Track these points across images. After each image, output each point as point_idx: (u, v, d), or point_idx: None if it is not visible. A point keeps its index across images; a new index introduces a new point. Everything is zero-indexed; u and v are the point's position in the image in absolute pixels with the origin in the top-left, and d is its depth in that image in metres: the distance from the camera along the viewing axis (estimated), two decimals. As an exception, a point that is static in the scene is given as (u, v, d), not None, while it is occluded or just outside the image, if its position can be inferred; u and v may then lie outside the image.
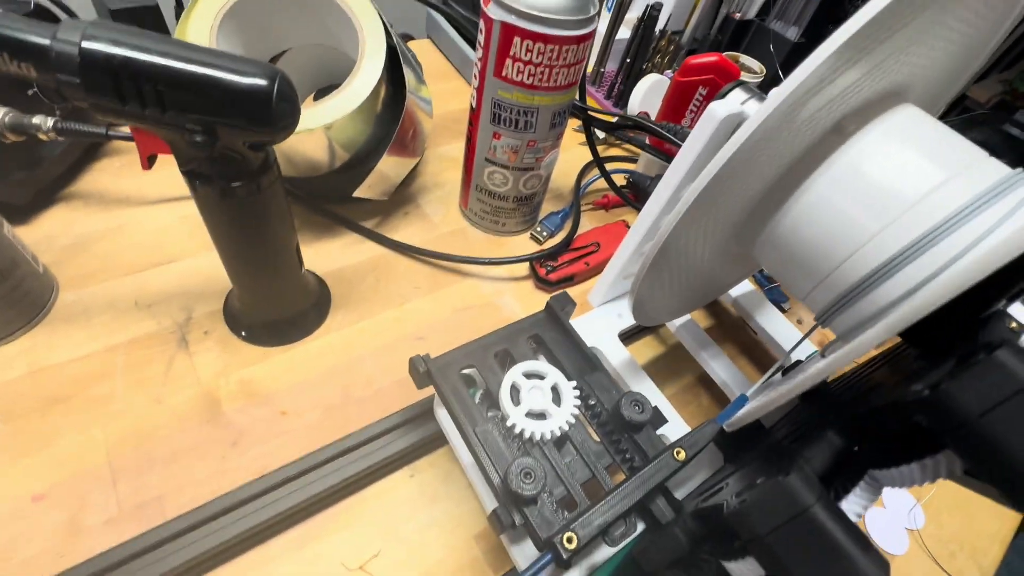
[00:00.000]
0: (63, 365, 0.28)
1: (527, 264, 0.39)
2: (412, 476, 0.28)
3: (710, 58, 0.41)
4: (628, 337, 0.35)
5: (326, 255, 0.37)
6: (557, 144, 0.36)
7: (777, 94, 0.17)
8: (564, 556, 0.18)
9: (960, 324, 0.19)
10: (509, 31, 0.29)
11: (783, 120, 0.18)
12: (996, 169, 0.20)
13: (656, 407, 0.24)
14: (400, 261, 0.38)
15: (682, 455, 0.21)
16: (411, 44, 0.60)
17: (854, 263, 0.20)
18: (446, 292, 0.37)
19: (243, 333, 0.31)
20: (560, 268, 0.38)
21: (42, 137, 0.31)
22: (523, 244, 0.41)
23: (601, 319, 0.33)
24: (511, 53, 0.29)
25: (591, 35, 0.30)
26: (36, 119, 0.30)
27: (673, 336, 0.36)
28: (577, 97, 0.40)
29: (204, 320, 0.31)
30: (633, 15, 0.55)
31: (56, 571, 0.21)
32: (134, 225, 0.35)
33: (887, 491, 0.33)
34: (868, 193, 0.20)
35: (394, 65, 0.34)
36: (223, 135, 0.21)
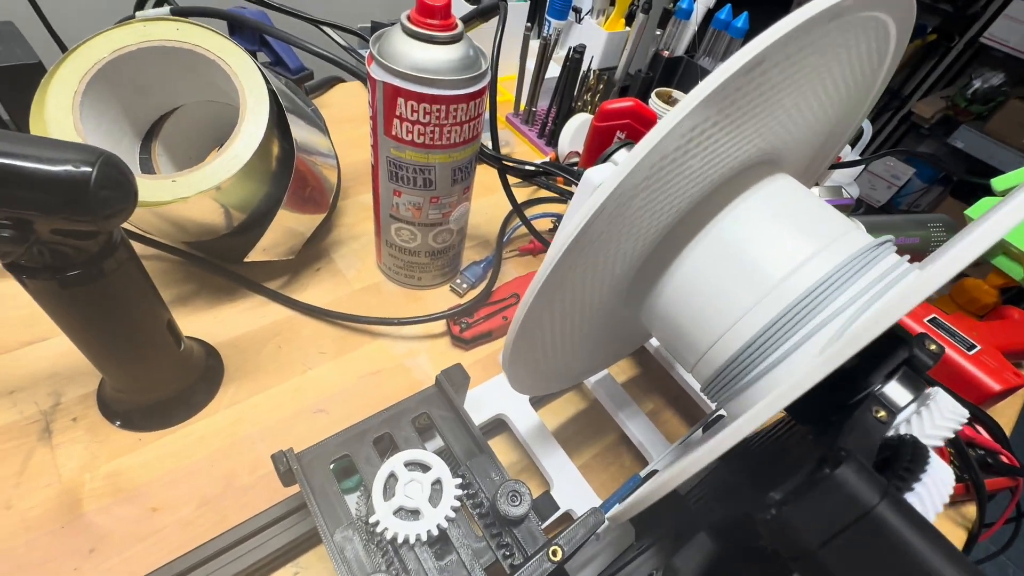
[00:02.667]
0: None
1: (444, 321, 0.37)
2: (296, 574, 0.25)
3: (625, 103, 0.41)
4: (542, 399, 0.34)
5: (224, 321, 0.34)
6: (465, 197, 0.35)
7: (627, 161, 0.16)
8: None
9: (835, 405, 0.18)
10: (393, 92, 0.27)
11: (636, 190, 0.17)
12: (861, 240, 0.19)
13: (546, 495, 0.22)
14: (306, 324, 0.36)
15: (559, 555, 0.19)
16: (342, 86, 0.59)
17: (729, 339, 0.19)
18: (354, 356, 0.35)
19: (117, 421, 0.28)
20: (476, 324, 0.36)
21: None
22: (442, 297, 0.40)
23: (501, 390, 0.32)
24: (397, 113, 0.28)
25: (482, 92, 0.29)
26: None
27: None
28: (491, 145, 0.39)
29: (74, 406, 0.29)
30: (562, 53, 0.55)
31: None
32: (3, 299, 0.32)
33: None
34: (741, 266, 0.19)
35: (282, 125, 0.32)
36: (39, 227, 0.19)
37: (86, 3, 0.40)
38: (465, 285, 0.40)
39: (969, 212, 0.43)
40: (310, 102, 0.40)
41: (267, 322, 0.35)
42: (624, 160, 0.16)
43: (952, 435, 0.17)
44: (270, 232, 0.33)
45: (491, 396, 0.31)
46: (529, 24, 0.53)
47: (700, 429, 0.27)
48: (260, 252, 0.33)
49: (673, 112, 0.15)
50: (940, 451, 0.34)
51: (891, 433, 0.17)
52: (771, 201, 0.20)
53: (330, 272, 0.39)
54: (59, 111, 0.27)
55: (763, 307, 0.18)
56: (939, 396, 0.17)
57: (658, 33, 0.58)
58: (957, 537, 0.34)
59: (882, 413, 0.16)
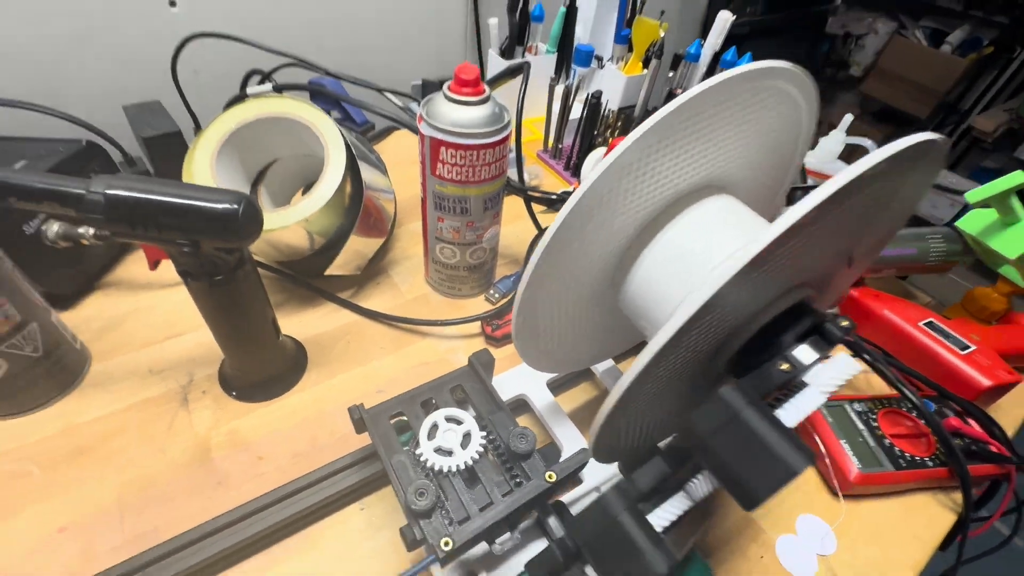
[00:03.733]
0: (89, 423, 0.35)
1: (479, 323, 0.45)
2: (362, 509, 0.33)
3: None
4: (561, 385, 0.40)
5: (306, 323, 0.44)
6: (496, 221, 0.43)
7: (590, 176, 0.23)
8: (440, 555, 0.23)
9: (758, 363, 0.24)
10: (436, 143, 0.36)
11: (601, 198, 0.24)
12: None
13: (552, 445, 0.29)
14: (369, 326, 0.44)
15: (553, 477, 0.26)
16: (397, 134, 0.69)
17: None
18: (406, 351, 0.43)
19: (233, 393, 0.38)
20: (504, 326, 0.43)
21: (84, 242, 0.39)
22: (478, 304, 0.47)
23: (526, 375, 0.39)
24: (440, 158, 0.37)
25: (505, 139, 0.37)
26: (80, 229, 0.39)
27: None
28: (518, 178, 0.47)
29: (203, 382, 0.38)
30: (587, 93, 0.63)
31: (71, 588, 0.27)
32: (152, 307, 0.43)
33: (800, 518, 0.36)
34: (682, 263, 0.26)
35: (355, 171, 0.42)
36: (204, 246, 0.28)
37: (207, 84, 0.53)
38: (497, 295, 0.47)
39: (960, 224, 0.46)
40: (373, 150, 0.50)
41: (339, 324, 0.44)
42: (588, 176, 0.24)
43: (839, 385, 0.22)
44: (343, 253, 0.42)
45: (514, 381, 0.38)
46: (554, 76, 0.62)
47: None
48: (335, 268, 0.42)
49: (625, 140, 0.22)
50: (927, 439, 0.38)
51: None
52: (713, 212, 0.27)
53: (388, 285, 0.48)
54: (201, 168, 0.38)
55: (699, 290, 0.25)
56: (838, 358, 0.23)
57: (670, 75, 0.65)
58: (946, 520, 0.37)
59: (786, 366, 0.22)
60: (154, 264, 0.34)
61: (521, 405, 0.39)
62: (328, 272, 0.42)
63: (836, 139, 0.52)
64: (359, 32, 0.72)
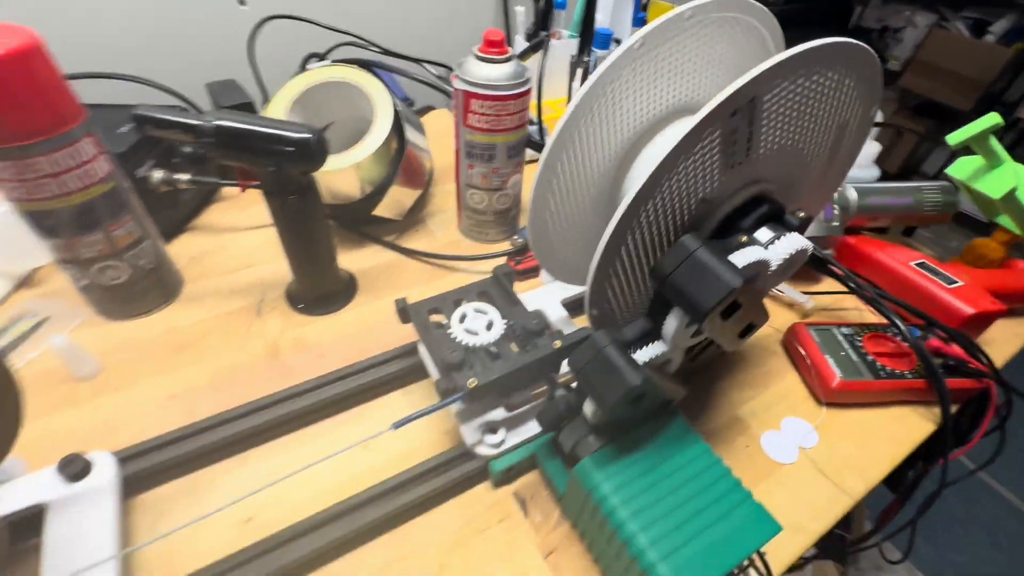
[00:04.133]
0: (186, 327, 0.43)
1: (504, 259, 0.51)
2: (404, 394, 0.40)
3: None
4: (574, 310, 0.46)
5: (356, 260, 0.51)
6: (518, 170, 0.50)
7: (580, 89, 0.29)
8: (465, 393, 0.29)
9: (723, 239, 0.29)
10: (468, 96, 0.43)
11: (591, 106, 0.30)
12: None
13: (549, 320, 0.35)
14: (408, 263, 0.51)
15: (559, 344, 0.32)
16: (433, 113, 0.77)
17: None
18: (440, 282, 0.50)
19: (300, 305, 0.45)
20: (526, 261, 0.50)
21: (181, 187, 0.48)
22: (504, 248, 0.54)
23: (548, 292, 0.45)
24: (471, 109, 0.44)
25: (526, 93, 0.44)
26: (178, 175, 0.48)
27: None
28: (539, 139, 0.54)
29: (272, 300, 0.46)
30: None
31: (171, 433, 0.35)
32: (232, 245, 0.52)
33: (785, 420, 0.40)
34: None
35: (399, 130, 0.49)
36: (285, 167, 0.36)
37: (272, 65, 0.62)
38: (520, 240, 0.53)
39: (949, 171, 0.49)
40: (414, 115, 0.57)
41: (383, 261, 0.51)
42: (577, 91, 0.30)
43: (788, 255, 0.27)
44: (386, 198, 0.50)
45: (533, 299, 0.44)
46: (574, 55, 0.68)
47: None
48: (380, 210, 0.50)
49: (601, 65, 0.28)
50: (909, 358, 0.41)
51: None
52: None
53: (424, 232, 0.55)
54: (275, 122, 0.46)
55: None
56: (788, 236, 0.28)
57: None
58: (925, 428, 0.41)
59: (744, 238, 0.27)
60: (244, 187, 0.42)
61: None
62: (374, 212, 0.50)
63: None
64: (398, 21, 0.81)
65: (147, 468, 0.32)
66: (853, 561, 1.18)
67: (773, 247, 0.27)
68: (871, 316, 0.49)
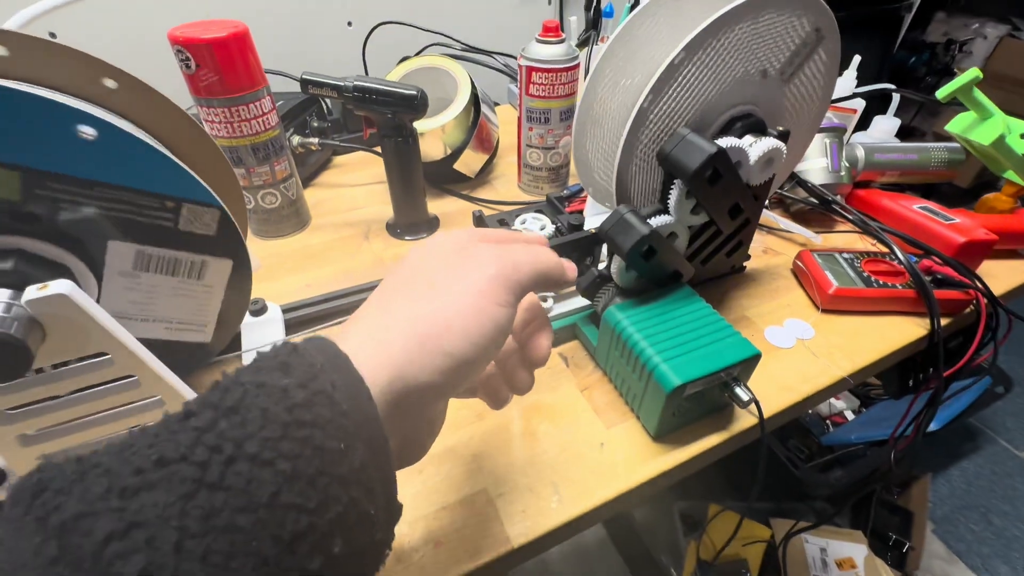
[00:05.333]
0: (315, 244, 0.58)
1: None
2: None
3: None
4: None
5: (438, 206, 0.64)
6: (568, 132, 0.62)
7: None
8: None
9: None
10: (530, 70, 0.56)
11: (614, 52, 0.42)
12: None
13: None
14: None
15: (593, 229, 0.43)
16: (499, 107, 0.92)
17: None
18: (504, 222, 0.62)
19: (398, 230, 0.59)
20: (572, 205, 0.61)
21: (312, 148, 0.64)
22: (555, 201, 0.65)
23: (589, 225, 0.56)
24: (532, 80, 0.57)
25: (574, 67, 0.56)
26: (310, 139, 0.64)
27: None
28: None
29: (375, 230, 0.60)
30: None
31: (311, 298, 0.48)
32: (344, 195, 0.67)
33: (787, 320, 0.48)
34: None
35: (476, 103, 0.63)
36: (398, 115, 0.50)
37: (376, 65, 0.78)
38: (568, 193, 0.65)
39: (948, 127, 0.56)
40: (488, 96, 0.71)
41: (457, 208, 0.64)
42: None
43: (764, 150, 0.37)
44: (463, 156, 0.63)
45: (577, 227, 0.55)
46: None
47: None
48: (458, 165, 0.63)
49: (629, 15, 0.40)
50: (903, 276, 0.49)
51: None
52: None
53: (490, 189, 0.68)
54: (384, 97, 0.61)
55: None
56: (764, 139, 0.38)
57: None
58: (914, 332, 0.47)
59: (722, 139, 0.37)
60: (368, 133, 0.57)
61: (582, 246, 0.55)
62: (455, 166, 0.63)
63: (847, 76, 0.64)
64: (477, 24, 0.98)
65: (299, 317, 0.46)
66: (913, 569, 1.16)
67: (753, 145, 0.37)
68: (877, 251, 0.56)
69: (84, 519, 0.13)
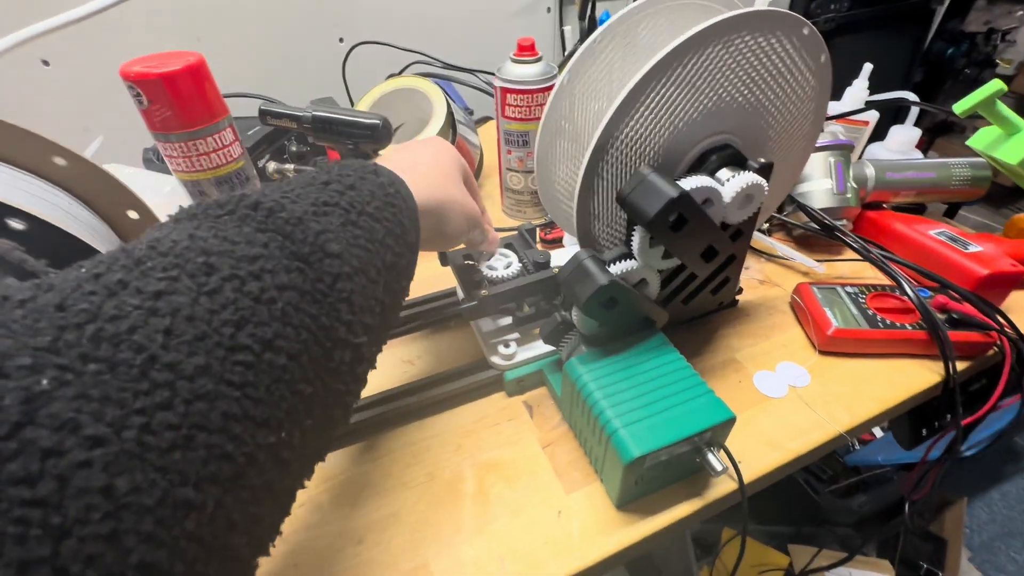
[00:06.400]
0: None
1: (536, 230, 0.59)
2: (445, 329, 0.49)
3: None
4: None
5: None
6: (550, 155, 0.58)
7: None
8: (477, 299, 0.38)
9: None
10: (504, 91, 0.53)
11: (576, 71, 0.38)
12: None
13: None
14: (458, 235, 0.61)
15: (556, 269, 0.39)
16: (491, 123, 0.89)
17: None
18: (482, 249, 0.59)
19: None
20: (554, 231, 0.57)
21: (288, 175, 0.62)
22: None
23: (568, 253, 0.52)
24: (507, 102, 0.53)
25: (552, 87, 0.53)
26: (285, 166, 0.62)
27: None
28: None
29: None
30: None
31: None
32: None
33: (780, 364, 0.44)
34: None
35: (453, 125, 0.60)
36: (360, 145, 0.47)
37: (362, 82, 0.76)
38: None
39: (970, 143, 0.50)
40: (469, 118, 0.69)
41: (438, 234, 0.62)
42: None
43: (741, 187, 0.33)
44: (443, 181, 0.60)
45: (555, 257, 0.52)
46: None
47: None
48: (437, 190, 0.60)
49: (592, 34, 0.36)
50: (913, 315, 0.44)
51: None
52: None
53: (474, 213, 0.65)
54: (358, 121, 0.59)
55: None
56: (742, 174, 0.34)
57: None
58: (926, 379, 0.42)
59: (689, 179, 0.33)
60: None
61: (560, 278, 0.52)
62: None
63: (858, 87, 0.59)
64: (464, 41, 0.95)
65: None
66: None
67: (729, 182, 0.33)
68: (885, 282, 0.51)
69: (291, 206, 0.22)
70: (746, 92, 0.34)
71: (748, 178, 0.33)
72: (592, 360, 0.35)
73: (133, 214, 0.37)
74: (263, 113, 0.47)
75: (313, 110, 0.46)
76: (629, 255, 0.35)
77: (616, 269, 0.34)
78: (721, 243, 0.34)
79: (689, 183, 0.31)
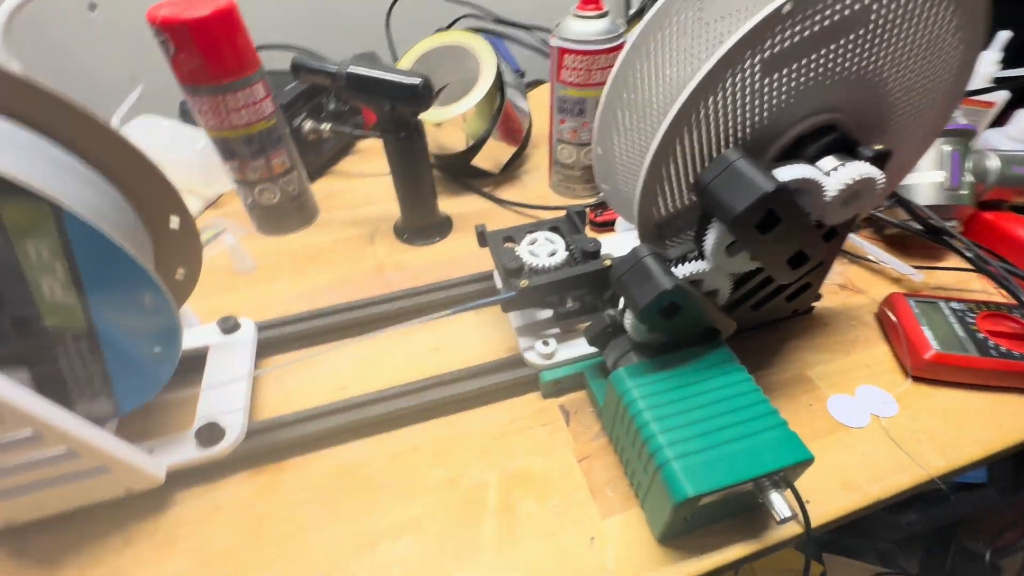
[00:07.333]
0: (316, 244, 0.53)
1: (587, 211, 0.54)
2: (476, 313, 0.45)
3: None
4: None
5: (455, 205, 0.58)
6: (607, 127, 0.52)
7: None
8: (516, 290, 0.33)
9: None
10: (561, 52, 0.47)
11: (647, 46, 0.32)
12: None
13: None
14: (499, 211, 0.57)
15: (608, 261, 0.34)
16: (544, 87, 0.82)
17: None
18: (525, 228, 0.54)
19: (404, 236, 0.53)
20: (605, 213, 0.52)
21: (325, 136, 0.59)
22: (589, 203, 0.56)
23: (621, 240, 0.47)
24: (564, 64, 0.47)
25: (617, 48, 0.46)
26: (323, 125, 0.58)
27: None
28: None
29: (383, 231, 0.54)
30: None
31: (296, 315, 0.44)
32: (360, 186, 0.62)
33: (861, 387, 0.38)
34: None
35: (501, 88, 0.54)
36: (398, 108, 0.43)
37: (407, 38, 0.71)
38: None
39: None
40: (520, 81, 0.62)
41: (477, 208, 0.57)
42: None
43: (849, 181, 0.26)
44: (485, 150, 0.55)
45: (606, 245, 0.46)
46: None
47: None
48: (478, 160, 0.56)
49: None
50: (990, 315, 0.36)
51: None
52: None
53: (518, 186, 0.60)
54: (399, 80, 0.54)
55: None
56: (852, 163, 0.27)
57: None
58: (1047, 422, 0.35)
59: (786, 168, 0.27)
60: (370, 126, 0.51)
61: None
62: (473, 162, 0.56)
63: (988, 59, 0.49)
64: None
65: (276, 336, 0.42)
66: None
67: (834, 173, 0.27)
68: (1000, 298, 0.43)
69: None
70: (870, 61, 0.27)
71: (859, 169, 0.27)
72: (643, 373, 0.31)
73: (175, 221, 0.32)
74: (295, 67, 0.43)
75: (348, 66, 0.42)
76: (698, 254, 0.29)
77: (682, 271, 0.29)
78: (815, 247, 0.28)
79: (787, 173, 0.25)
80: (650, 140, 0.35)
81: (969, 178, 0.45)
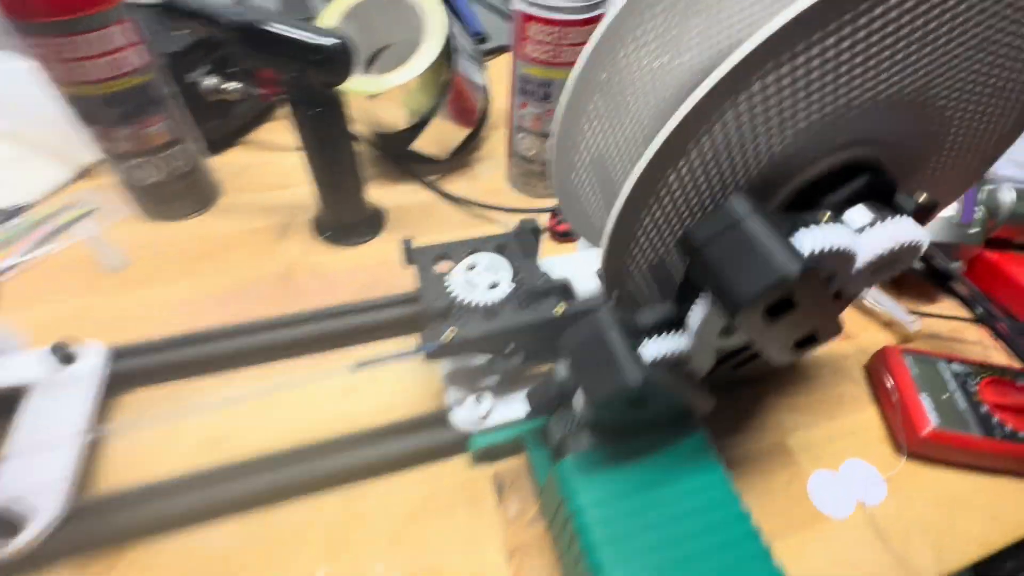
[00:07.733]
0: (214, 237, 0.43)
1: (547, 217, 0.46)
2: (400, 343, 0.37)
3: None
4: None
5: (390, 194, 0.48)
6: (577, 117, 0.43)
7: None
8: (441, 344, 0.25)
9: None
10: (525, 18, 0.37)
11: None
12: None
13: (564, 280, 0.29)
14: (445, 207, 0.48)
15: (560, 310, 0.26)
16: (508, 55, 0.71)
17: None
18: (474, 232, 0.45)
19: (327, 233, 0.43)
20: (566, 221, 0.44)
21: (231, 98, 0.47)
22: (551, 205, 0.48)
23: (584, 260, 0.38)
24: (527, 35, 0.38)
25: (594, 20, 0.37)
26: (228, 84, 0.47)
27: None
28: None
29: (299, 224, 0.45)
30: None
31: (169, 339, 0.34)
32: (273, 163, 0.51)
33: (847, 461, 0.32)
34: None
35: (449, 55, 0.44)
36: (308, 76, 0.33)
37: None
38: (569, 198, 0.47)
39: None
40: (477, 49, 0.52)
41: (418, 201, 0.48)
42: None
43: (888, 249, 0.19)
44: (429, 130, 0.46)
45: (564, 265, 0.38)
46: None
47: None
48: (421, 144, 0.46)
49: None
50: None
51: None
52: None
53: (469, 177, 0.51)
54: (324, 35, 0.43)
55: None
56: (894, 220, 0.20)
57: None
58: (1045, 513, 0.31)
59: (826, 215, 0.20)
60: (266, 97, 0.40)
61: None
62: (413, 147, 0.46)
63: None
64: None
65: (137, 367, 0.32)
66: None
67: (868, 234, 0.20)
68: (1000, 357, 0.38)
69: None
70: (921, 77, 0.19)
71: (903, 232, 0.20)
72: (596, 468, 0.24)
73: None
74: (168, 7, 0.32)
75: (246, 13, 0.31)
76: (677, 323, 0.22)
77: (655, 349, 0.21)
78: (829, 327, 0.21)
79: (815, 242, 0.18)
80: (629, 161, 0.27)
81: (981, 213, 0.39)
